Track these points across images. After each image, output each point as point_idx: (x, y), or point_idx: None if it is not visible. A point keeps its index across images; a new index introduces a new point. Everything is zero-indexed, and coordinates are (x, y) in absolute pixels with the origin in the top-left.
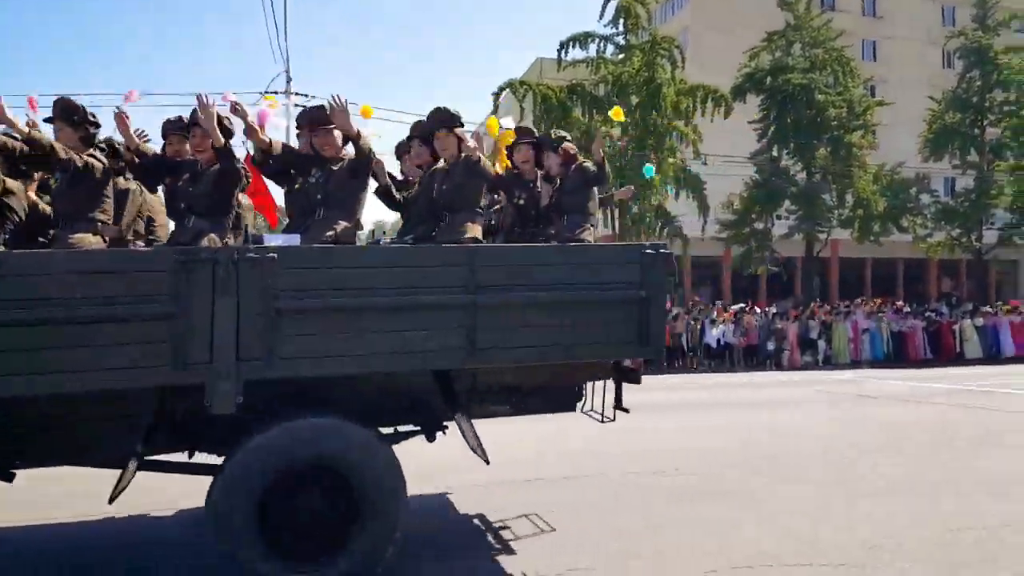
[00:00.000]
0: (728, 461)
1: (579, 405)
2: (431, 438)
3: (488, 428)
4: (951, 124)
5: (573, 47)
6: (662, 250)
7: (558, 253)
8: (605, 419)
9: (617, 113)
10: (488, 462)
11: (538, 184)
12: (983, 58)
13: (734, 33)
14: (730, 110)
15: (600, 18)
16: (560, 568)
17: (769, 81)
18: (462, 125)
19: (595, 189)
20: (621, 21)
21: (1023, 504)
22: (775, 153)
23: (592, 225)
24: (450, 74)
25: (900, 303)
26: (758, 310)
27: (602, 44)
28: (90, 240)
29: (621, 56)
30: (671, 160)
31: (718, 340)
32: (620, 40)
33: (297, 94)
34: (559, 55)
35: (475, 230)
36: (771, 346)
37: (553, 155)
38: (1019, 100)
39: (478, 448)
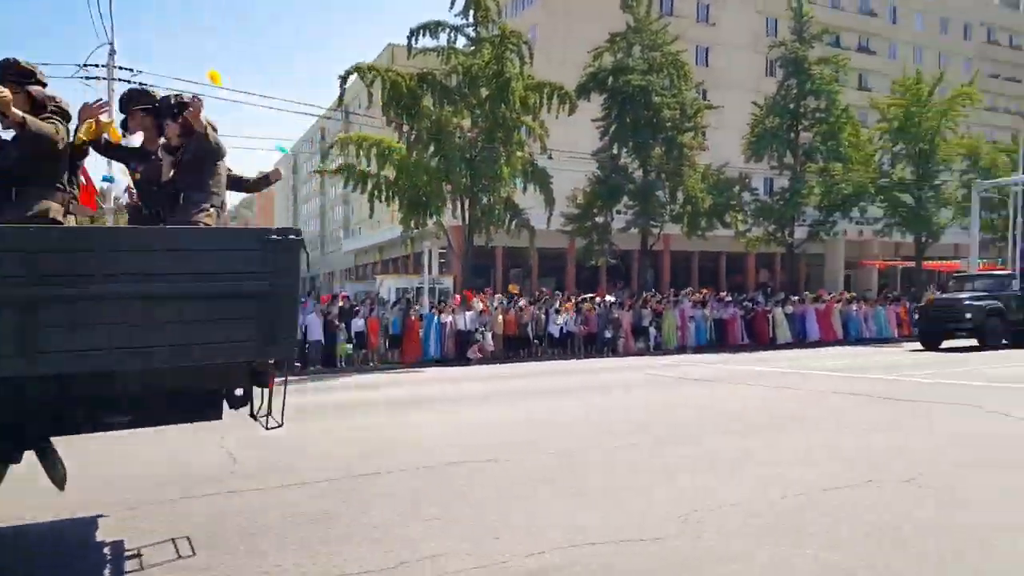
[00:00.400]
0: (550, 445)
1: (257, 408)
2: (14, 458)
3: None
4: (771, 128)
5: (424, 35)
6: (292, 235)
7: (156, 237)
8: (270, 426)
9: (214, 77)
10: (62, 489)
11: (160, 156)
12: (799, 68)
13: (581, 31)
14: (575, 107)
15: (451, 7)
16: None
17: (611, 81)
18: (42, 84)
19: (220, 164)
20: (471, 12)
21: (825, 472)
22: (615, 151)
23: (215, 206)
24: (299, 56)
25: (723, 293)
26: (598, 300)
27: (452, 34)
28: None
29: (472, 48)
30: (519, 154)
31: (561, 329)
32: (471, 31)
33: (122, 68)
34: (409, 42)
35: (46, 205)
36: (608, 334)
37: (172, 124)
38: (828, 108)
39: (56, 473)
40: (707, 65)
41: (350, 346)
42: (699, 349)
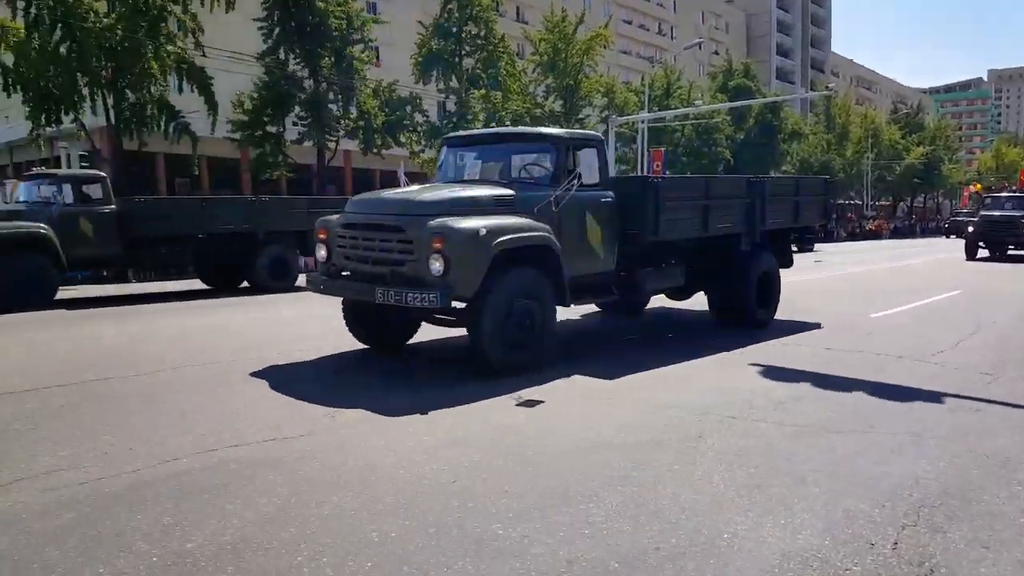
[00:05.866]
0: None
1: None
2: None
3: None
4: (436, 51)
5: None
6: None
7: None
8: None
9: None
10: None
11: None
12: None
13: None
14: (231, 2)
15: None
16: None
17: None
18: None
19: None
20: None
21: None
22: (282, 56)
23: None
24: None
25: None
26: None
27: None
28: None
29: None
30: (170, 48)
31: None
32: None
33: None
34: None
35: None
36: None
37: None
38: (487, 36)
39: None
40: None
41: None
42: None
